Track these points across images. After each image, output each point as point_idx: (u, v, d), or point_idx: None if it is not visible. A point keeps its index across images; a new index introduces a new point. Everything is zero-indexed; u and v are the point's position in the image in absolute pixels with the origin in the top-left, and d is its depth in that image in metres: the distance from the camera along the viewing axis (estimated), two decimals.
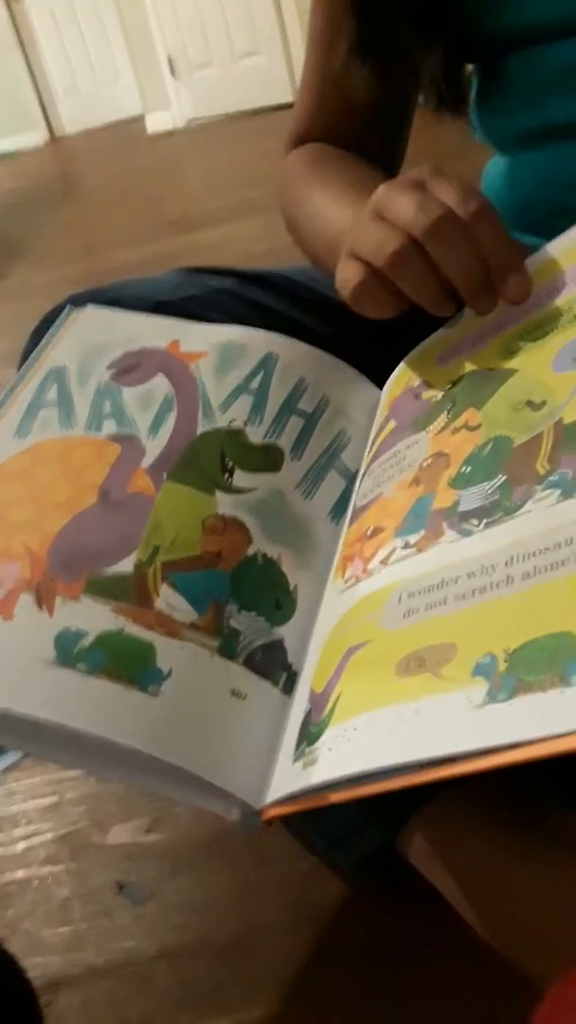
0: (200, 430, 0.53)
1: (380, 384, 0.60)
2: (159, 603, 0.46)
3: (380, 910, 0.56)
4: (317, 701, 0.43)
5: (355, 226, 0.51)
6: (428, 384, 0.54)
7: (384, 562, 0.46)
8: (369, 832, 0.51)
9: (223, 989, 0.57)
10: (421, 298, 0.50)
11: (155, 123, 5.03)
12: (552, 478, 0.41)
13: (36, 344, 0.57)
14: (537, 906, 0.45)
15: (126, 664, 0.44)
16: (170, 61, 4.85)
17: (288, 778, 0.41)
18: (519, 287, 0.49)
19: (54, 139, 6.43)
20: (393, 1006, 0.52)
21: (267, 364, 0.56)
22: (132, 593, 0.46)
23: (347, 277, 0.51)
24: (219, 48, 4.69)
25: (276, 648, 0.47)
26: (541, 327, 0.49)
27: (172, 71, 4.87)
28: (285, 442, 0.54)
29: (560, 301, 0.50)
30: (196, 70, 4.81)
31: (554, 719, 0.31)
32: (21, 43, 6.23)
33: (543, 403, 0.45)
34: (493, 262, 0.49)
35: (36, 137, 6.44)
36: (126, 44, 5.06)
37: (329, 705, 0.42)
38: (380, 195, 0.50)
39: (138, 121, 5.30)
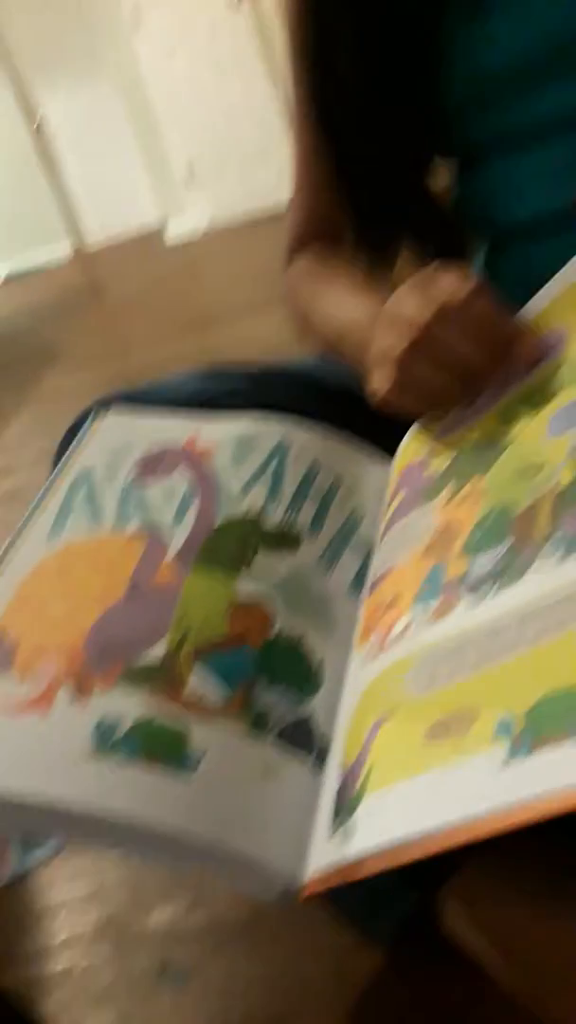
0: (220, 518, 0.54)
1: (390, 457, 0.61)
2: (190, 687, 0.46)
3: (421, 977, 0.55)
4: (350, 773, 0.43)
5: (375, 334, 0.54)
6: (434, 455, 0.55)
7: (404, 632, 0.46)
8: (405, 899, 0.50)
9: None
10: (438, 387, 0.52)
11: (174, 230, 5.21)
12: (556, 537, 0.42)
13: (66, 449, 0.59)
14: (564, 960, 0.43)
15: (161, 749, 0.44)
16: (187, 173, 5.05)
17: (326, 851, 0.41)
18: (527, 350, 0.51)
19: (79, 251, 6.69)
20: None
21: (281, 450, 0.58)
22: (164, 679, 0.47)
23: (377, 387, 0.54)
24: (233, 159, 4.88)
25: (306, 723, 0.47)
26: (533, 394, 0.51)
27: (188, 181, 5.07)
28: (302, 523, 0.55)
29: (549, 368, 0.51)
30: (210, 179, 5.00)
31: (571, 770, 0.32)
32: (45, 163, 6.53)
33: (541, 467, 0.46)
34: (495, 336, 0.50)
35: (62, 250, 6.70)
36: (143, 157, 5.29)
37: (362, 777, 0.42)
38: (390, 302, 0.53)
39: (158, 229, 5.49)
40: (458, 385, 0.52)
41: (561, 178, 0.56)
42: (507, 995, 0.45)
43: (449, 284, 0.50)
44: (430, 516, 0.51)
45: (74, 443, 0.59)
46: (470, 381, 0.51)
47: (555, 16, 0.54)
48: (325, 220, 0.72)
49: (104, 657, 0.47)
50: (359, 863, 0.38)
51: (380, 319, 0.53)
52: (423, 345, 0.50)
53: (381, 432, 0.58)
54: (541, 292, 0.53)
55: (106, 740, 0.44)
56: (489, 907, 0.46)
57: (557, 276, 0.53)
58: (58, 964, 0.66)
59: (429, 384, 0.52)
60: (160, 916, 0.67)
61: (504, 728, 0.35)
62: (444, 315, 0.49)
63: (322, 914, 0.56)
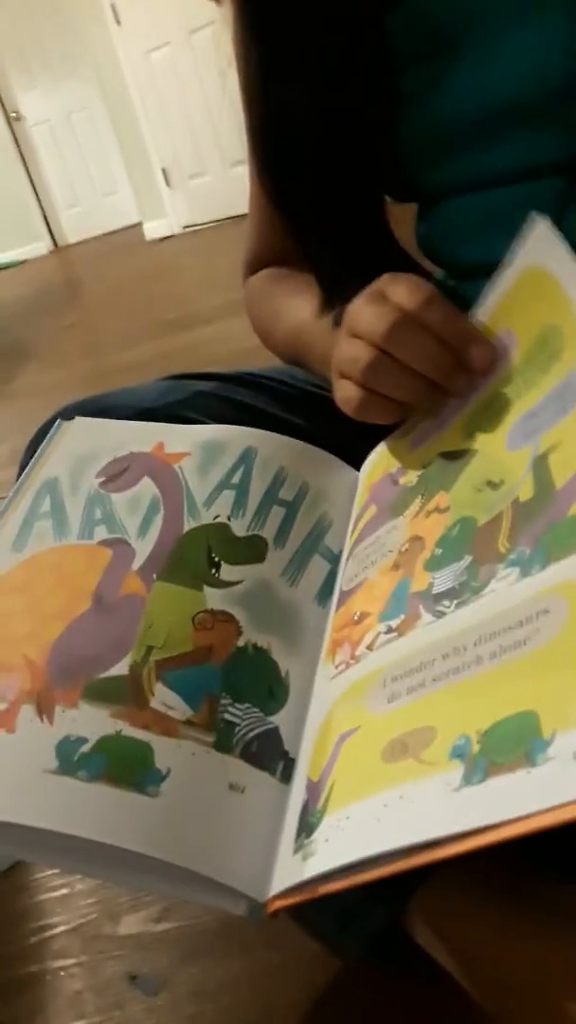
0: (186, 528, 0.52)
1: (356, 466, 0.60)
2: (154, 702, 0.45)
3: (390, 989, 0.54)
4: (313, 790, 0.42)
5: (337, 347, 0.53)
6: (403, 468, 0.54)
7: (370, 647, 0.45)
8: (373, 914, 0.49)
9: None
10: (406, 396, 0.51)
11: (152, 230, 5.17)
12: (512, 557, 0.41)
13: (31, 457, 0.57)
14: (534, 978, 0.43)
15: (125, 767, 0.42)
16: (165, 172, 5.01)
17: (288, 870, 0.40)
18: (481, 355, 0.50)
19: (57, 248, 6.62)
20: None
21: (247, 458, 0.56)
22: (128, 695, 0.45)
23: (346, 397, 0.53)
24: (211, 158, 4.85)
25: (272, 737, 0.46)
26: (493, 404, 0.49)
27: (167, 181, 5.02)
28: (268, 532, 0.54)
29: (503, 374, 0.50)
30: (190, 180, 4.97)
31: (522, 800, 0.31)
32: (23, 159, 6.46)
33: (501, 482, 0.45)
34: (452, 342, 0.49)
35: (40, 247, 6.63)
36: (123, 157, 5.24)
37: (324, 794, 0.41)
38: (348, 315, 0.52)
39: (136, 229, 5.45)
40: (424, 391, 0.50)
41: (522, 219, 0.55)
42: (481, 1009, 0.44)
43: (403, 293, 0.49)
44: (399, 530, 0.50)
45: (38, 452, 0.57)
46: (436, 385, 0.50)
47: (522, 68, 0.53)
48: (280, 247, 0.71)
49: (67, 673, 0.46)
50: (319, 883, 0.37)
51: (340, 332, 0.53)
52: (382, 361, 0.49)
53: (349, 439, 0.57)
54: (486, 293, 0.52)
55: (70, 758, 0.42)
56: (452, 922, 0.45)
57: (495, 282, 0.52)
58: (26, 970, 0.64)
59: (395, 391, 0.51)
60: (130, 924, 0.65)
61: (459, 751, 0.35)
62: (401, 324, 0.48)
63: (294, 924, 0.54)
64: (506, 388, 0.49)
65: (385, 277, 0.51)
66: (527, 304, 0.49)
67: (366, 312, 0.50)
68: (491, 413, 0.49)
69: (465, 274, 0.63)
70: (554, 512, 0.40)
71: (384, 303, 0.50)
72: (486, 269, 0.52)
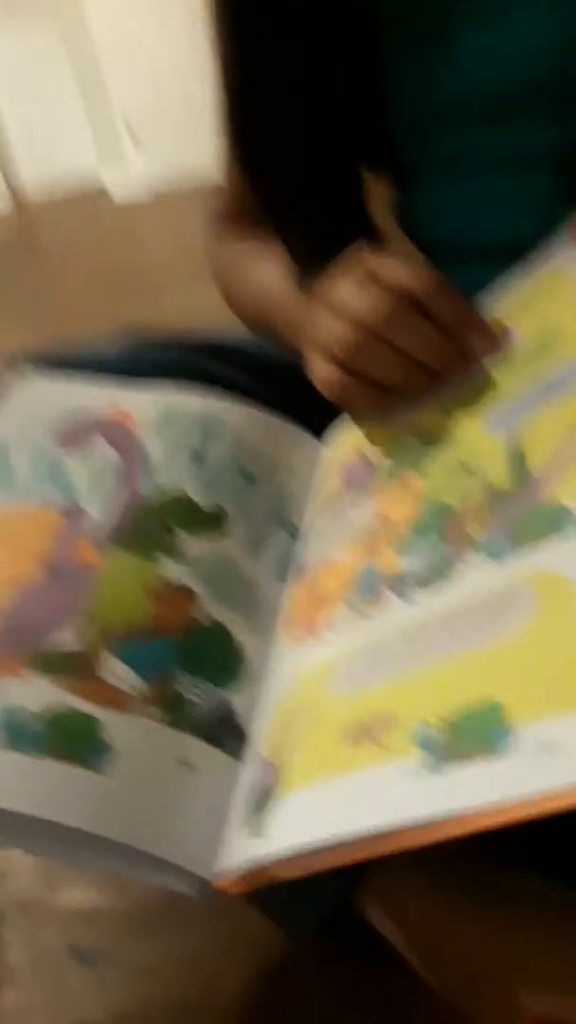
0: (143, 495, 0.50)
1: (321, 438, 0.58)
2: (105, 675, 0.43)
3: (340, 966, 0.53)
4: (268, 769, 0.40)
5: (313, 321, 0.50)
6: (374, 447, 0.52)
7: (332, 628, 0.43)
8: (325, 891, 0.48)
9: None
10: (394, 380, 0.48)
11: (117, 192, 5.04)
12: (482, 543, 0.39)
13: None
14: (488, 968, 0.42)
15: (71, 741, 0.40)
16: (131, 131, 4.88)
17: (238, 851, 0.39)
18: (484, 343, 0.48)
19: (18, 206, 6.42)
20: None
21: (209, 426, 0.54)
22: (77, 666, 0.43)
23: (325, 378, 0.49)
24: (182, 120, 4.72)
25: (226, 714, 0.44)
26: (476, 391, 0.48)
27: (134, 141, 4.89)
28: (229, 503, 0.51)
29: (493, 362, 0.48)
30: (159, 141, 4.84)
31: (485, 791, 0.30)
32: None
33: (476, 467, 0.44)
34: (455, 328, 0.47)
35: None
36: (87, 114, 5.09)
37: (279, 774, 0.39)
38: (329, 287, 0.48)
39: (101, 190, 5.31)
40: (414, 376, 0.48)
41: (508, 208, 0.53)
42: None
43: (400, 272, 0.46)
44: (367, 509, 0.48)
45: None
46: (428, 373, 0.48)
47: (521, 52, 0.50)
48: (250, 208, 0.68)
49: (12, 641, 0.43)
50: (270, 867, 0.36)
51: (319, 305, 0.49)
52: (375, 345, 0.46)
53: (316, 411, 0.55)
54: (493, 294, 0.51)
55: (14, 731, 0.40)
56: (407, 905, 0.44)
57: (510, 279, 0.50)
58: None
59: (384, 375, 0.48)
60: (72, 895, 0.64)
61: (421, 737, 0.33)
62: (403, 311, 0.45)
63: (242, 899, 0.53)
64: (493, 377, 0.47)
65: (372, 256, 0.48)
66: (539, 306, 0.48)
67: (358, 293, 0.47)
68: (475, 398, 0.47)
69: (445, 256, 0.60)
70: (527, 500, 0.39)
71: (376, 284, 0.47)
72: (467, 252, 0.50)
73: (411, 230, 0.64)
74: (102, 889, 0.63)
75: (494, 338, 0.48)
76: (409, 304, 0.46)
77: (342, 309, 0.48)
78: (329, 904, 0.48)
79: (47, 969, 0.59)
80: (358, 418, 0.54)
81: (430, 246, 0.63)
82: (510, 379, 0.46)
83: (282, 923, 0.53)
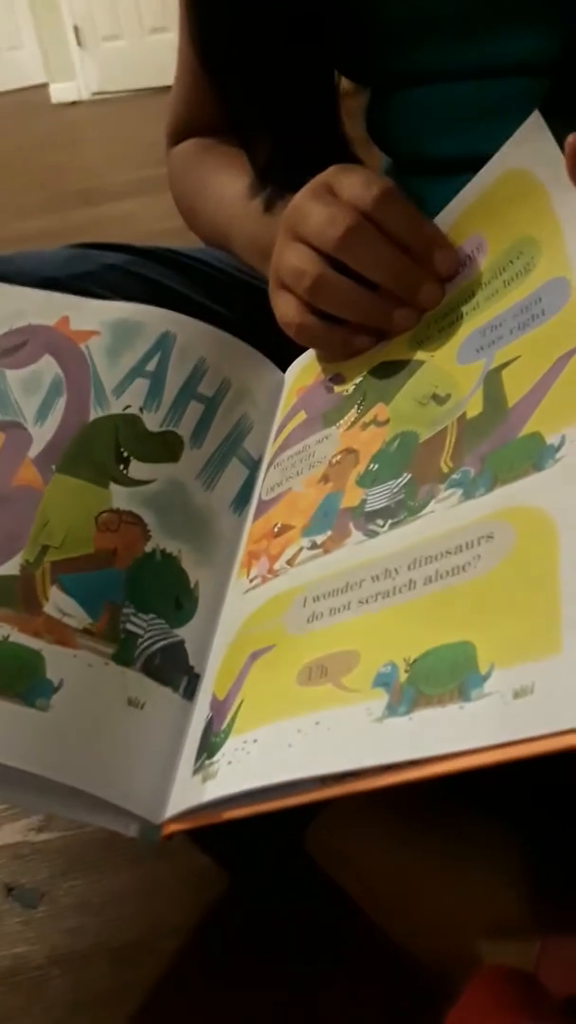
0: (92, 416, 0.47)
1: (283, 367, 0.55)
2: (48, 608, 0.41)
3: (283, 906, 0.53)
4: (219, 708, 0.39)
5: (277, 251, 0.48)
6: (339, 376, 0.50)
7: (290, 562, 0.42)
8: (270, 830, 0.48)
9: (120, 994, 0.52)
10: (360, 316, 0.46)
11: (59, 93, 4.80)
12: (455, 477, 0.38)
13: None
14: (435, 904, 0.43)
15: (11, 677, 0.38)
16: (76, 31, 4.63)
17: (186, 793, 0.38)
18: (447, 261, 0.46)
19: None
20: (299, 1001, 0.49)
21: (164, 344, 0.51)
22: (18, 598, 0.41)
23: (288, 318, 0.47)
24: (128, 21, 4.49)
25: (176, 651, 0.43)
26: (447, 314, 0.46)
27: (79, 41, 4.64)
28: (184, 429, 0.49)
29: (464, 284, 0.46)
30: (103, 42, 4.60)
31: (452, 737, 0.29)
32: None
33: (448, 396, 0.42)
34: (414, 245, 0.45)
35: None
36: (31, 9, 4.80)
37: (231, 714, 0.38)
38: (291, 211, 0.46)
39: (41, 90, 5.05)
40: (380, 309, 0.46)
41: (489, 117, 0.50)
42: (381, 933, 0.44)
43: (355, 188, 0.44)
44: (331, 440, 0.47)
45: None
46: (393, 295, 0.46)
47: None
48: (210, 116, 0.64)
49: None
50: (218, 808, 0.35)
51: (282, 231, 0.47)
52: (331, 275, 0.44)
53: (276, 335, 0.52)
54: (455, 199, 0.48)
55: None
56: (356, 849, 0.45)
57: (472, 182, 0.47)
58: None
59: (348, 311, 0.46)
60: (8, 833, 0.63)
61: (384, 679, 0.32)
62: (356, 229, 0.43)
63: (185, 837, 0.53)
64: (465, 298, 0.45)
65: (333, 169, 0.46)
66: (505, 208, 0.45)
67: (314, 213, 0.44)
68: (445, 323, 0.45)
69: (425, 169, 0.58)
70: (504, 431, 0.37)
71: (334, 201, 0.44)
72: (449, 164, 0.47)
73: (386, 142, 0.61)
74: (40, 827, 0.63)
75: (456, 257, 0.46)
76: (363, 223, 0.44)
77: (299, 232, 0.45)
78: (276, 844, 0.48)
79: None
80: (323, 355, 0.52)
81: (404, 156, 0.60)
82: (481, 298, 0.44)
83: (225, 862, 0.53)
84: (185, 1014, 0.51)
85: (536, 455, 0.35)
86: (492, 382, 0.40)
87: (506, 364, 0.40)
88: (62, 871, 0.59)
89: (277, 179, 0.55)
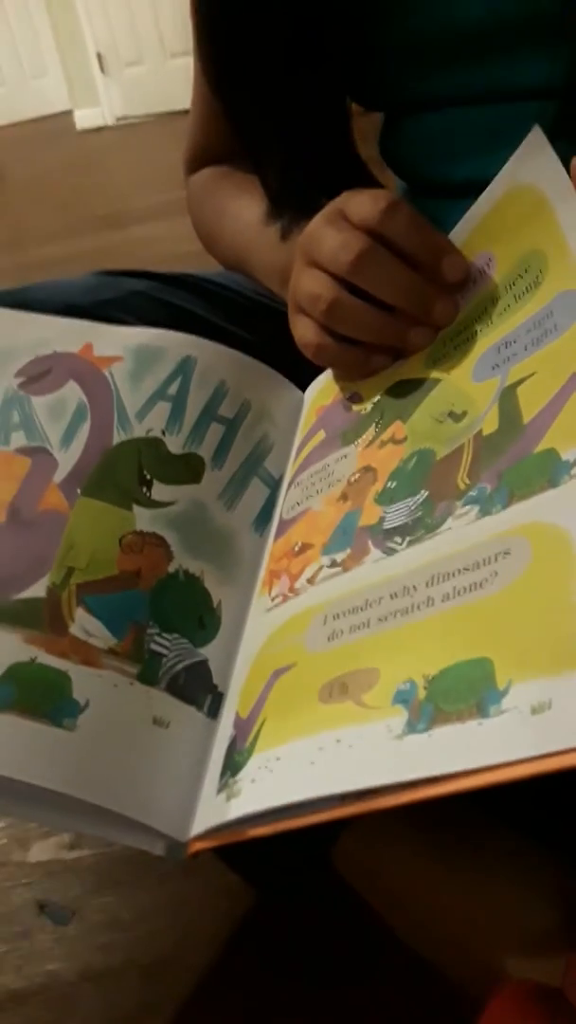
0: (116, 440, 0.48)
1: (302, 387, 0.56)
2: (74, 629, 0.42)
3: (310, 923, 0.53)
4: (242, 727, 0.40)
5: (294, 276, 0.49)
6: (357, 395, 0.51)
7: (311, 581, 0.42)
8: (297, 847, 0.48)
9: (150, 1010, 0.53)
10: (375, 337, 0.47)
11: (84, 119, 4.88)
12: (471, 494, 0.38)
13: None
14: (462, 920, 0.43)
15: (39, 698, 0.39)
16: (100, 57, 4.71)
17: (211, 811, 0.38)
18: (455, 266, 0.46)
19: None
20: (329, 1016, 0.49)
21: (185, 368, 0.52)
22: (44, 620, 0.42)
23: (306, 340, 0.48)
24: (150, 46, 4.56)
25: (200, 670, 0.43)
26: (462, 332, 0.46)
27: (102, 68, 4.72)
28: (205, 450, 0.50)
29: (476, 300, 0.46)
30: (126, 68, 4.68)
31: (471, 753, 0.29)
32: None
33: (464, 414, 0.42)
34: (422, 258, 0.45)
35: None
36: (55, 38, 4.89)
37: (253, 732, 0.38)
38: (305, 238, 0.47)
39: (66, 116, 5.13)
40: (395, 330, 0.47)
41: (499, 141, 0.51)
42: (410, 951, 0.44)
43: (364, 209, 0.45)
44: (349, 459, 0.47)
45: None
46: (408, 314, 0.46)
47: None
48: (226, 143, 0.65)
49: None
50: (243, 826, 0.35)
51: (298, 257, 0.48)
52: (349, 295, 0.45)
53: (296, 356, 0.53)
54: (463, 219, 0.48)
55: None
56: (382, 864, 0.45)
57: (479, 200, 0.48)
58: None
59: (363, 332, 0.47)
60: (41, 851, 0.64)
61: (403, 696, 0.32)
62: (367, 252, 0.44)
63: (213, 855, 0.53)
64: (478, 315, 0.46)
65: (344, 194, 0.47)
66: (512, 225, 0.46)
67: (327, 238, 0.45)
68: (460, 341, 0.46)
69: (442, 192, 0.58)
70: (520, 448, 0.37)
71: (345, 226, 0.45)
72: (462, 188, 0.48)
73: (398, 166, 0.62)
74: (72, 845, 0.63)
75: (464, 262, 0.46)
76: (373, 245, 0.44)
77: (314, 258, 0.46)
78: (302, 861, 0.48)
79: (16, 926, 0.59)
80: (341, 375, 0.53)
81: (418, 180, 0.61)
82: (494, 314, 0.45)
83: (253, 878, 0.53)
84: None
85: (551, 471, 0.35)
86: (507, 399, 0.40)
87: (521, 381, 0.41)
88: (93, 888, 0.60)
89: (291, 204, 0.56)
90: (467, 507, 0.38)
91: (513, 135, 0.45)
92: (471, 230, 0.48)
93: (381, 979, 0.48)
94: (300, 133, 0.57)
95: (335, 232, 0.45)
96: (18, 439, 0.48)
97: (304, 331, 0.48)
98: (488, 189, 0.47)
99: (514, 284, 0.44)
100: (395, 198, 0.45)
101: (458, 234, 0.48)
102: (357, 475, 0.46)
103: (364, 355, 0.48)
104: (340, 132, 0.58)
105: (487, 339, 0.44)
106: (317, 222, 0.46)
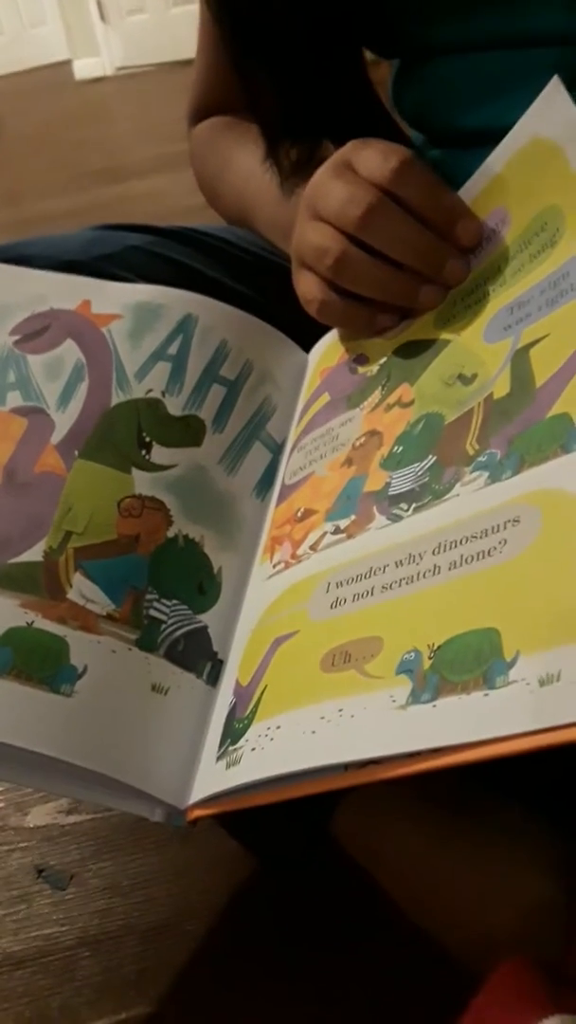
0: (114, 401, 0.48)
1: (306, 348, 0.55)
2: (72, 594, 0.41)
3: (310, 891, 0.54)
4: (242, 694, 0.39)
5: (299, 230, 0.47)
6: (363, 356, 0.50)
7: (314, 547, 0.42)
8: (297, 815, 0.48)
9: (148, 976, 0.53)
10: (382, 294, 0.46)
11: (83, 69, 4.78)
12: (481, 459, 0.37)
13: None
14: (462, 891, 0.43)
15: (36, 663, 0.39)
16: (99, 5, 4.61)
17: (211, 778, 0.38)
18: (470, 231, 0.45)
19: None
20: (327, 990, 0.49)
21: (186, 327, 0.51)
22: (42, 584, 0.41)
23: (310, 296, 0.47)
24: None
25: (200, 636, 0.43)
26: (473, 291, 0.45)
27: (102, 16, 4.62)
28: (206, 413, 0.49)
29: (489, 259, 0.45)
30: (127, 16, 4.58)
31: (476, 725, 0.28)
32: None
33: (474, 376, 0.41)
34: (435, 219, 0.44)
35: None
36: None
37: (254, 700, 0.38)
38: (311, 190, 0.46)
39: (65, 66, 5.04)
40: (403, 287, 0.45)
41: (513, 89, 0.49)
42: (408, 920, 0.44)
43: (372, 162, 0.43)
44: (354, 423, 0.46)
45: None
46: (417, 272, 0.45)
47: None
48: (231, 96, 0.63)
49: None
50: (243, 794, 0.35)
51: (302, 210, 0.46)
52: (354, 254, 0.44)
53: (300, 315, 0.52)
54: (478, 171, 0.47)
55: None
56: (384, 836, 0.45)
57: (495, 152, 0.46)
58: None
59: (371, 289, 0.46)
60: (39, 816, 0.64)
61: (408, 665, 0.32)
62: (377, 207, 0.43)
63: (212, 821, 0.53)
64: (491, 274, 0.45)
65: (351, 144, 0.45)
66: (528, 178, 0.44)
67: (334, 191, 0.44)
68: (471, 301, 0.45)
69: (455, 142, 0.57)
70: (532, 412, 0.37)
71: (353, 179, 0.44)
72: (480, 136, 0.46)
73: (412, 115, 0.60)
74: (70, 810, 0.64)
75: (479, 226, 0.45)
76: (383, 200, 0.43)
77: (320, 212, 0.45)
78: (302, 829, 0.48)
79: (13, 890, 0.59)
80: (347, 335, 0.52)
81: (431, 129, 0.60)
82: (507, 273, 0.44)
83: (252, 846, 0.53)
84: (212, 996, 0.51)
85: (564, 437, 0.34)
86: (520, 361, 0.39)
87: (534, 343, 0.40)
88: (91, 853, 0.60)
89: (294, 140, 0.54)
90: (476, 473, 0.37)
91: (528, 83, 0.44)
92: (486, 184, 0.47)
93: (381, 950, 0.48)
94: (308, 75, 0.55)
95: (343, 185, 0.44)
96: (14, 399, 0.47)
97: (308, 286, 0.47)
98: (504, 141, 0.46)
99: (530, 243, 0.43)
100: (407, 155, 0.44)
101: (472, 188, 0.47)
102: (362, 439, 0.45)
103: (370, 313, 0.47)
104: (353, 77, 0.56)
105: (500, 299, 0.43)
106: (323, 174, 0.45)
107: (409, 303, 0.46)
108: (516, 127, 0.45)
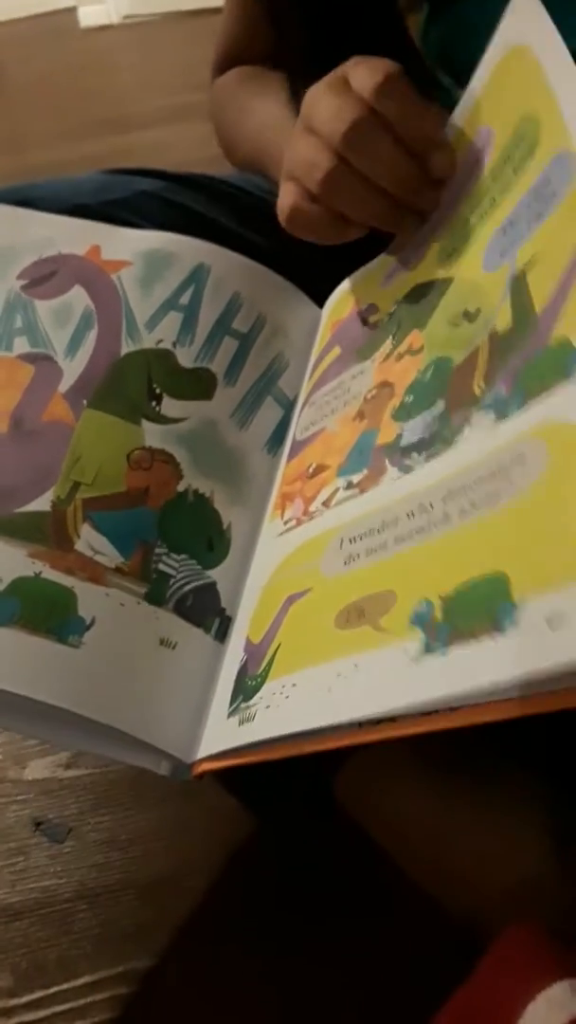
0: (124, 351, 0.47)
1: (320, 302, 0.54)
2: (80, 545, 0.41)
3: (309, 849, 0.54)
4: (254, 652, 0.39)
5: (290, 143, 0.45)
6: (374, 307, 0.48)
7: (326, 504, 0.41)
8: (298, 773, 0.48)
9: (146, 930, 0.54)
10: (365, 216, 0.44)
11: (88, 17, 4.66)
12: (487, 399, 0.35)
13: None
14: (464, 852, 0.43)
15: (43, 613, 0.39)
16: None
17: (222, 734, 0.38)
18: (441, 162, 0.43)
19: None
20: (325, 945, 0.50)
21: (198, 277, 0.50)
22: (49, 534, 0.41)
23: (289, 205, 0.45)
24: None
25: (208, 592, 0.43)
26: (469, 218, 0.43)
27: None
28: (218, 366, 0.48)
29: (478, 182, 0.43)
30: None
31: (487, 671, 0.28)
32: None
33: (478, 311, 0.39)
34: (413, 144, 0.42)
35: None
36: None
37: (267, 657, 0.38)
38: (306, 103, 0.44)
39: (69, 14, 4.92)
40: (387, 211, 0.44)
41: None
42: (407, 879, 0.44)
43: (361, 77, 0.42)
44: (365, 375, 0.45)
45: None
46: (403, 191, 0.44)
47: None
48: (259, 47, 0.61)
49: None
50: (254, 749, 0.35)
51: (298, 122, 0.45)
52: (342, 171, 0.42)
53: (316, 266, 0.51)
54: (466, 92, 0.45)
55: None
56: (387, 796, 0.45)
57: (478, 69, 0.44)
58: None
59: (355, 210, 0.44)
60: (38, 769, 0.64)
61: (420, 617, 0.31)
62: (361, 123, 0.41)
63: (212, 778, 0.53)
64: (480, 196, 0.42)
65: (353, 59, 0.43)
66: (507, 92, 0.42)
67: (324, 104, 0.42)
68: (468, 230, 0.43)
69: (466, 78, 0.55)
70: (535, 342, 0.34)
71: (344, 91, 0.42)
72: None
73: (442, 58, 0.58)
74: (69, 763, 0.64)
75: (448, 156, 0.44)
76: (367, 117, 0.41)
77: (311, 123, 0.43)
78: (303, 788, 0.48)
79: (11, 843, 0.60)
80: (358, 272, 0.50)
81: (458, 71, 0.58)
82: (496, 192, 0.42)
83: (251, 804, 0.53)
84: (210, 951, 0.52)
85: (565, 363, 0.32)
86: (518, 288, 0.37)
87: (530, 264, 0.37)
88: (90, 807, 0.61)
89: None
90: (483, 414, 0.35)
91: (560, 17, 0.42)
92: (472, 104, 0.44)
93: (383, 909, 0.49)
94: (339, 11, 0.53)
95: (332, 97, 0.42)
96: (21, 345, 0.46)
97: (290, 197, 0.45)
98: (486, 55, 0.44)
99: (511, 157, 0.41)
100: (394, 71, 0.42)
101: (462, 111, 0.45)
102: (374, 392, 0.44)
103: (342, 223, 0.45)
104: (385, 17, 0.54)
105: (493, 222, 0.41)
106: (319, 85, 0.44)
107: (391, 228, 0.45)
108: (494, 38, 0.43)
